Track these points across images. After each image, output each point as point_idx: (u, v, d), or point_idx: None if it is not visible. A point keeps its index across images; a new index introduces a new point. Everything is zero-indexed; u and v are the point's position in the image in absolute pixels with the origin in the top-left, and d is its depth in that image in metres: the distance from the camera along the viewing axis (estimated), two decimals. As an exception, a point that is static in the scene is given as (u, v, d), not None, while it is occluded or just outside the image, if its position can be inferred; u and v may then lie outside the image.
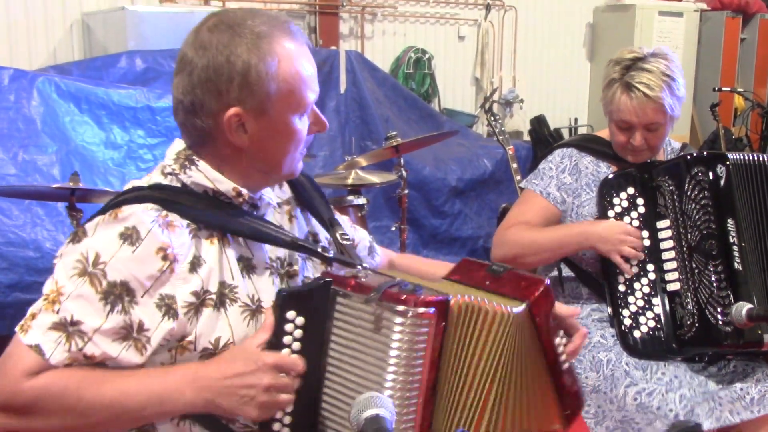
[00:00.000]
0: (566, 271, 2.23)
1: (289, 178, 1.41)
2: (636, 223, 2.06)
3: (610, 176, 2.11)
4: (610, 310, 2.05)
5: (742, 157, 2.00)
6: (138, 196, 1.26)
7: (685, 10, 6.30)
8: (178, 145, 1.33)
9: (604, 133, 2.22)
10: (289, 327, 1.23)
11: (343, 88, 4.68)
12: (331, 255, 1.36)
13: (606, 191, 2.09)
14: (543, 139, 5.66)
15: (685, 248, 1.98)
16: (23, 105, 3.38)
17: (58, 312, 1.17)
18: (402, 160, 3.50)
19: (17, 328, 1.19)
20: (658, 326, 2.00)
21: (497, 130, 3.84)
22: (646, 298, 2.03)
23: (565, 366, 1.42)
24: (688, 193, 1.98)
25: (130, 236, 1.19)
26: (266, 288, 1.31)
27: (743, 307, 1.78)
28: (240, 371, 1.19)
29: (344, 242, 1.46)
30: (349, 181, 3.53)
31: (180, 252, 1.22)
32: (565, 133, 5.92)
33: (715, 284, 1.91)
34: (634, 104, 2.02)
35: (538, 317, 1.35)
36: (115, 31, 4.19)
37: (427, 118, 5.10)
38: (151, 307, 1.20)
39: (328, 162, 4.52)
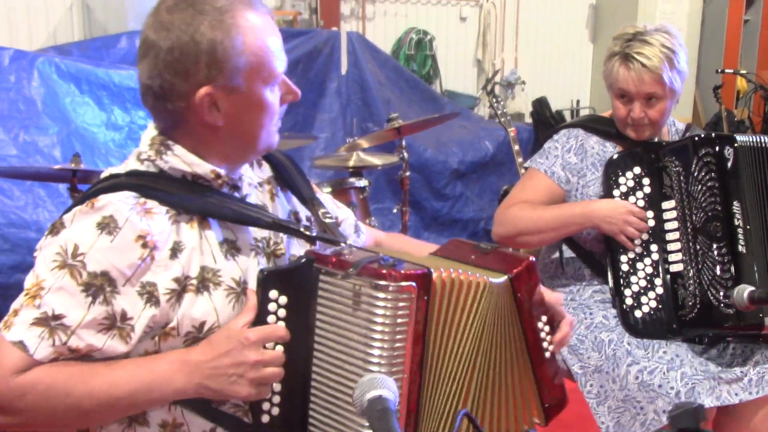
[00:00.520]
0: (569, 252, 2.22)
1: (267, 152, 1.39)
2: (641, 203, 2.06)
3: (616, 156, 2.10)
4: (612, 288, 2.05)
5: (750, 140, 1.99)
6: (114, 184, 1.24)
7: (689, -9, 6.25)
8: (152, 130, 1.31)
9: (607, 116, 2.21)
10: (272, 306, 1.22)
11: (344, 69, 4.66)
12: (314, 234, 1.34)
13: (612, 170, 2.08)
14: (545, 121, 5.64)
15: (689, 229, 1.98)
16: (24, 86, 3.37)
17: (39, 307, 1.16)
18: (404, 142, 3.48)
19: (0, 325, 1.17)
20: (660, 306, 2.01)
21: (499, 111, 3.84)
22: (648, 278, 2.03)
23: (548, 355, 1.41)
24: (695, 174, 1.97)
25: (108, 225, 1.18)
26: (252, 269, 1.30)
27: (745, 290, 1.78)
28: (225, 350, 1.19)
29: (326, 220, 1.44)
30: (351, 163, 3.51)
31: (160, 239, 1.20)
32: (567, 115, 5.89)
33: (718, 266, 1.91)
34: (632, 74, 2.02)
35: (519, 293, 1.34)
36: (115, 11, 4.17)
37: (429, 100, 5.08)
38: (133, 295, 1.18)
39: (330, 144, 4.51)
